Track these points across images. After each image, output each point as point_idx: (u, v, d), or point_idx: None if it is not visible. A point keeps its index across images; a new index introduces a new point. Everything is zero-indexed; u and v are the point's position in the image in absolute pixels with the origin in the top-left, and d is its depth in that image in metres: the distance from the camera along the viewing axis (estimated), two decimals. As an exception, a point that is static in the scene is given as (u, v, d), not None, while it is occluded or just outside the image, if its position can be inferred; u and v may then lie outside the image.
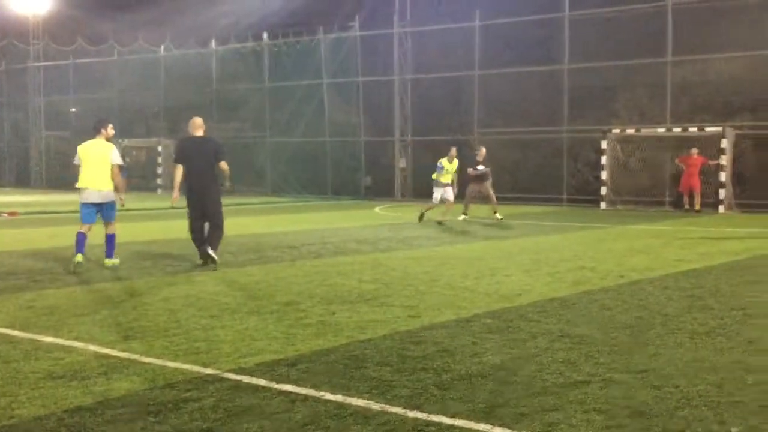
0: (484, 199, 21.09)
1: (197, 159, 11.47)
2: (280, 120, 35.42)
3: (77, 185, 11.46)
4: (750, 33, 25.39)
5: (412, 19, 32.38)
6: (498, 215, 20.42)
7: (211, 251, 11.26)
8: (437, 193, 19.69)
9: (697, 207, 24.34)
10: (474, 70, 30.49)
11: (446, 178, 19.68)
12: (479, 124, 30.47)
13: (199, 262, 11.49)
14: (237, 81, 37.30)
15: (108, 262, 11.37)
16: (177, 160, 11.65)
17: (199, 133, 11.68)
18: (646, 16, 27.06)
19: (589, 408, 5.01)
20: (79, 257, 10.93)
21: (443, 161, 19.65)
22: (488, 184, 20.90)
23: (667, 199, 26.32)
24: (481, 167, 20.74)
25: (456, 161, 19.74)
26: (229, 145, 34.91)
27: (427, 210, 19.94)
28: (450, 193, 19.65)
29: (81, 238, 11.12)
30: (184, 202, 11.73)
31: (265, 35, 35.72)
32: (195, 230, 11.65)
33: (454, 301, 8.73)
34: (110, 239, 11.43)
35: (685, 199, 24.88)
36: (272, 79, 35.60)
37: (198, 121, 11.73)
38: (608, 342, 6.82)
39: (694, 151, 24.61)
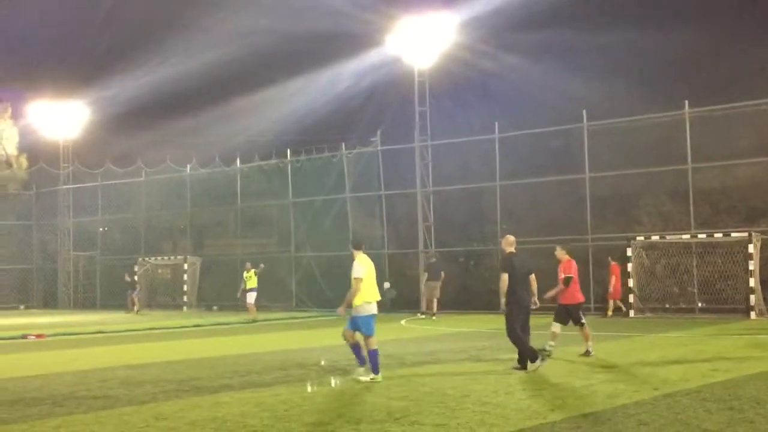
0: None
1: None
2: (304, 234, 35.70)
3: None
4: (767, 138, 25.54)
5: (432, 132, 32.97)
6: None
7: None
8: None
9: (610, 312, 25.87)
10: (495, 181, 30.75)
11: None
12: (503, 235, 30.47)
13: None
14: (261, 197, 37.87)
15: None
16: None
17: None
18: (664, 125, 27.33)
19: None
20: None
21: None
22: None
23: (698, 305, 25.94)
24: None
25: None
26: (254, 260, 35.31)
27: None
28: None
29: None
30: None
31: (288, 152, 36.43)
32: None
33: (486, 418, 8.53)
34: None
35: (611, 304, 26.06)
36: (296, 195, 36.09)
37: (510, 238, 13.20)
38: (647, 460, 6.60)
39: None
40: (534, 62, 37.04)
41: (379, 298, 12.00)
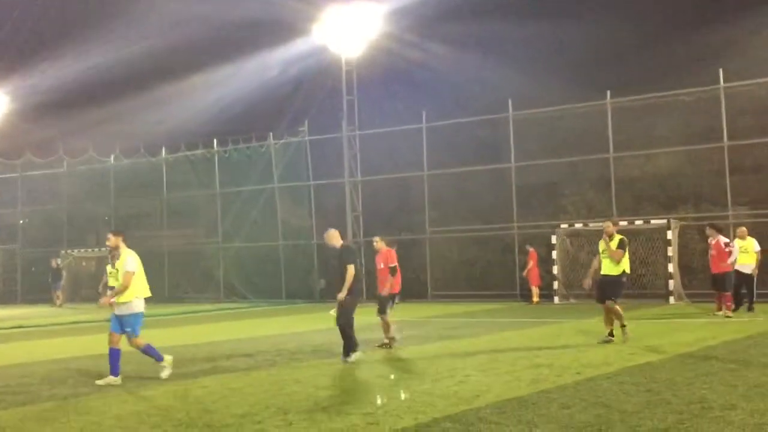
0: None
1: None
2: (232, 225, 35.39)
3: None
4: (685, 128, 26.34)
5: (360, 122, 32.98)
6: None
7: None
8: None
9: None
10: (422, 170, 30.98)
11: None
12: (430, 224, 30.77)
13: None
14: (188, 188, 37.36)
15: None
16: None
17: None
18: (587, 115, 27.93)
19: None
20: None
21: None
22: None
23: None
24: None
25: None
26: (182, 252, 34.73)
27: None
28: None
29: None
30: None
31: (215, 142, 36.01)
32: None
33: (413, 405, 8.62)
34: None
35: (535, 290, 26.86)
36: (223, 185, 35.73)
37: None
38: (568, 442, 6.77)
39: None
40: (460, 52, 37.29)
41: (149, 294, 11.26)
